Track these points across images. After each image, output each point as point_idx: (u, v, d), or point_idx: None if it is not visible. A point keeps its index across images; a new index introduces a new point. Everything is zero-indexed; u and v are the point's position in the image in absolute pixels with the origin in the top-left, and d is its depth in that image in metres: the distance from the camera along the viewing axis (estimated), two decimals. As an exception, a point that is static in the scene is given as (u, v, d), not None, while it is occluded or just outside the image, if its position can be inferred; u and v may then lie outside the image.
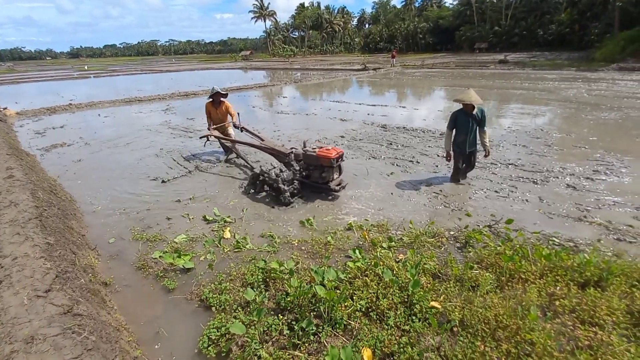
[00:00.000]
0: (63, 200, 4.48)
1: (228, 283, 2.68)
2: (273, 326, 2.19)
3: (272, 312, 2.37)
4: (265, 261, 2.85)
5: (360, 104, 12.04)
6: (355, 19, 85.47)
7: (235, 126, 6.27)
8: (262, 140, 5.68)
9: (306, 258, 3.09)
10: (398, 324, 2.18)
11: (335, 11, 79.46)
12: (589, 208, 3.93)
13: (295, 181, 4.36)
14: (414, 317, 2.21)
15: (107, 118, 10.98)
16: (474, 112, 4.52)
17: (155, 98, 14.88)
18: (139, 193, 4.82)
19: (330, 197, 4.42)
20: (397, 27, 60.36)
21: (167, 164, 6.09)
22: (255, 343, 2.05)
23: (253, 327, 2.16)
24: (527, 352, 1.93)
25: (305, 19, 75.52)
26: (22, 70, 45.34)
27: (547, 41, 40.57)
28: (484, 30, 46.49)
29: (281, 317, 2.27)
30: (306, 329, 2.12)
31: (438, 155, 6.05)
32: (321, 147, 4.34)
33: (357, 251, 2.97)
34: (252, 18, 75.16)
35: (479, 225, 3.56)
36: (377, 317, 2.26)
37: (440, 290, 2.45)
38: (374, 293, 2.41)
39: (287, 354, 2.00)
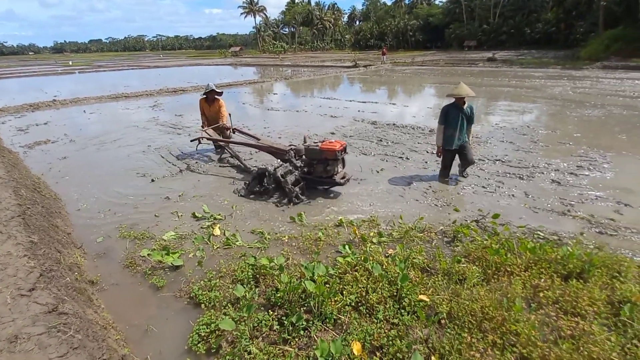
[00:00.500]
0: (47, 198, 4.38)
1: (218, 280, 2.67)
2: (263, 322, 2.20)
3: (262, 308, 2.37)
4: (255, 257, 2.85)
5: (350, 100, 12.06)
6: (346, 16, 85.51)
7: (226, 128, 6.21)
8: (258, 139, 5.61)
9: (296, 254, 3.09)
10: (387, 317, 2.21)
11: (326, 7, 79.23)
12: (572, 202, 4.03)
13: (300, 178, 4.29)
14: (402, 311, 2.24)
15: (92, 114, 10.75)
16: (465, 107, 4.56)
17: (142, 94, 14.62)
18: (126, 191, 4.74)
19: (331, 195, 4.37)
20: (388, 24, 60.49)
21: (155, 161, 6.01)
22: (245, 339, 2.05)
23: (243, 323, 2.15)
24: (512, 342, 1.98)
25: (296, 15, 75.10)
26: (4, 66, 43.95)
27: (534, 39, 41.21)
28: (473, 28, 46.95)
29: (271, 312, 2.27)
30: (296, 324, 2.13)
31: (427, 152, 6.11)
32: (323, 141, 4.29)
33: (347, 247, 2.98)
34: (241, 13, 74.50)
35: (466, 220, 3.61)
36: (367, 311, 2.28)
37: (428, 283, 2.49)
38: (363, 287, 2.43)
39: (277, 349, 2.01)
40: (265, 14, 78.40)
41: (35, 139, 7.67)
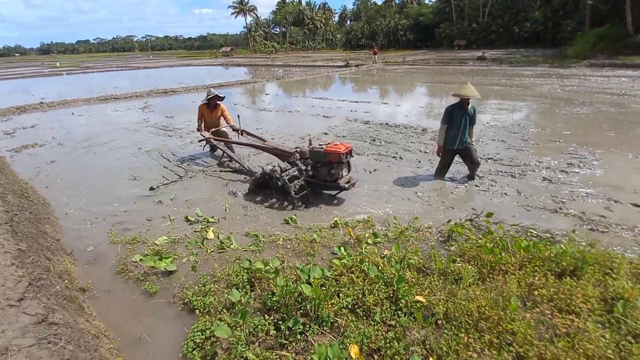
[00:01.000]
0: (36, 203, 4.28)
1: (212, 285, 2.63)
2: (259, 327, 2.17)
3: (258, 313, 2.34)
4: (250, 261, 2.82)
5: (343, 100, 12.07)
6: (337, 15, 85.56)
7: (234, 130, 6.14)
8: (265, 141, 5.52)
9: (292, 256, 3.07)
10: (384, 319, 2.20)
11: (317, 7, 79.20)
12: (564, 200, 4.08)
13: (303, 182, 4.16)
14: (399, 312, 2.23)
15: (81, 117, 10.56)
16: (468, 108, 4.54)
17: (132, 95, 14.42)
18: (117, 194, 4.66)
19: (335, 202, 4.21)
20: (378, 23, 60.73)
21: (146, 164, 5.92)
22: (241, 345, 2.03)
23: (239, 329, 2.12)
24: (508, 341, 1.98)
25: (287, 14, 74.91)
26: (-12, 67, 42.94)
27: (522, 38, 41.78)
28: (463, 28, 47.40)
29: (267, 317, 2.25)
30: (293, 328, 2.11)
31: (420, 151, 6.14)
32: (329, 143, 4.18)
33: (342, 248, 2.97)
34: (232, 13, 74.04)
35: (461, 219, 3.63)
36: (364, 313, 2.27)
37: (424, 284, 2.49)
38: (360, 289, 2.42)
39: (274, 354, 1.98)
40: (255, 14, 78.08)
41: (23, 142, 7.50)
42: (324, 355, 1.83)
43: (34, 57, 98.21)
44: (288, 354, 2.00)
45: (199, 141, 6.15)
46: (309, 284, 2.41)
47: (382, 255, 2.92)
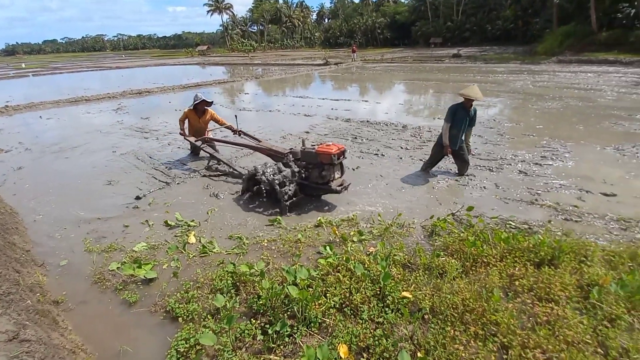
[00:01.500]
0: (2, 213, 4.03)
1: (195, 291, 2.56)
2: (246, 332, 2.12)
3: (244, 317, 2.29)
4: (234, 264, 2.75)
5: (323, 99, 12.05)
6: (315, 13, 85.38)
7: (233, 130, 5.99)
8: (259, 141, 5.41)
9: (277, 257, 3.03)
10: (372, 317, 2.20)
11: (294, 5, 78.73)
12: (539, 192, 4.23)
13: (296, 186, 3.99)
14: (386, 309, 2.24)
15: (50, 120, 10.06)
16: (470, 109, 4.58)
17: (104, 97, 13.86)
18: (91, 200, 4.46)
19: (327, 208, 4.04)
20: (356, 22, 61.04)
21: (122, 168, 5.69)
22: (227, 351, 1.97)
23: (225, 335, 2.07)
24: (492, 332, 2.03)
25: (264, 12, 74.09)
26: (-56, 69, 40.18)
27: (495, 36, 43.07)
28: (438, 26, 48.34)
29: (254, 321, 2.20)
30: (280, 332, 2.07)
31: (401, 148, 6.21)
32: (321, 144, 4.05)
33: (328, 247, 2.96)
34: (207, 11, 72.27)
35: (443, 214, 3.69)
36: (351, 312, 2.27)
37: (410, 280, 2.51)
38: (347, 288, 2.42)
39: (262, 359, 1.95)
40: (232, 12, 76.62)
41: (-15, 148, 7.06)
42: (313, 357, 1.81)
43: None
44: (276, 357, 1.96)
45: (195, 142, 5.83)
46: (296, 285, 2.38)
47: (368, 253, 2.93)
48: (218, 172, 5.30)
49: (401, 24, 54.65)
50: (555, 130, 7.02)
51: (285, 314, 2.24)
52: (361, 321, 2.17)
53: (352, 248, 3.00)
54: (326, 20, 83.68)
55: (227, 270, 2.70)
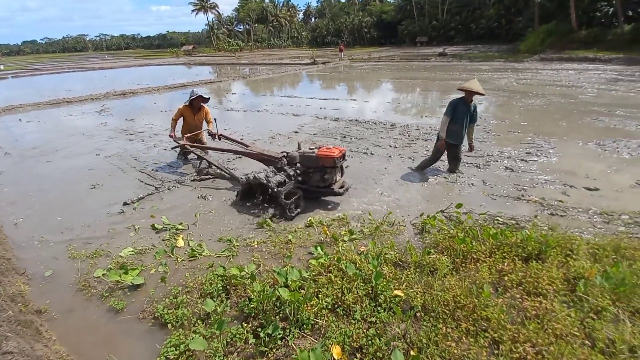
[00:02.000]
0: (-21, 220, 3.88)
1: (184, 295, 2.51)
2: (237, 336, 2.09)
3: (235, 321, 2.26)
4: (224, 267, 2.71)
5: (311, 98, 12.03)
6: (301, 13, 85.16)
7: (210, 134, 5.59)
8: (247, 146, 5.11)
9: (267, 259, 3.00)
10: (364, 316, 2.20)
11: (281, 4, 78.35)
12: (525, 187, 4.31)
13: (296, 190, 3.93)
14: (379, 308, 2.24)
15: (30, 123, 9.74)
16: (471, 105, 4.56)
17: (87, 98, 13.52)
18: (74, 205, 4.33)
19: (330, 206, 4.02)
20: (343, 21, 61.14)
21: (106, 171, 5.55)
22: (218, 356, 1.94)
23: (215, 340, 2.03)
24: (483, 328, 2.05)
25: (250, 12, 73.44)
26: None
27: (479, 35, 43.76)
28: (424, 25, 48.82)
29: (245, 325, 2.17)
30: (273, 334, 2.05)
31: (390, 146, 6.24)
32: (320, 147, 3.97)
33: (319, 248, 2.94)
34: (192, 10, 71.26)
35: (433, 211, 3.72)
36: (344, 312, 2.26)
37: (402, 278, 2.51)
38: (339, 288, 2.41)
39: (254, 363, 1.92)
40: (217, 11, 75.72)
41: (-39, 153, 6.79)
42: (306, 360, 1.79)
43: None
44: (269, 361, 1.94)
45: (172, 148, 5.76)
46: (287, 286, 2.35)
47: (359, 252, 2.93)
48: (209, 176, 5.11)
49: (387, 23, 54.99)
50: (539, 126, 7.17)
51: (277, 317, 2.21)
52: (354, 321, 2.16)
53: (343, 248, 3.00)
54: (313, 19, 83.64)
55: (217, 274, 2.65)
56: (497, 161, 5.27)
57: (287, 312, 2.18)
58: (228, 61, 36.62)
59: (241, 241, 3.31)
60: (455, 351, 1.89)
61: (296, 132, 7.52)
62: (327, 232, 3.30)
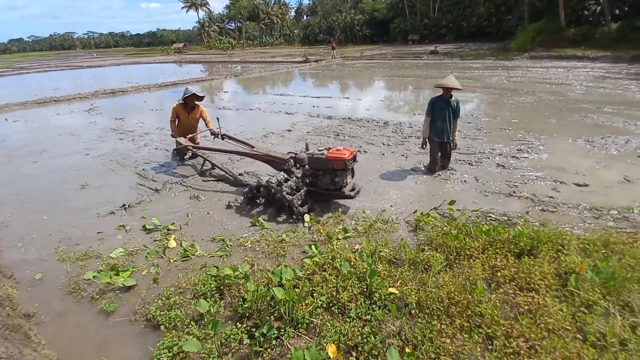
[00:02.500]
0: (-36, 223, 3.78)
1: (177, 297, 2.47)
2: (231, 336, 2.07)
3: (229, 322, 2.24)
4: (217, 267, 2.68)
5: (304, 96, 11.98)
6: (293, 10, 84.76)
7: (213, 134, 5.43)
8: (252, 147, 4.89)
9: (261, 258, 2.98)
10: (359, 314, 2.20)
11: (272, 2, 77.81)
12: (516, 184, 4.35)
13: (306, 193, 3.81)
14: (374, 306, 2.24)
15: (16, 123, 9.53)
16: (451, 100, 4.58)
17: (75, 97, 13.27)
18: (63, 205, 4.25)
19: (324, 205, 3.93)
20: (335, 19, 61.04)
21: (96, 172, 5.46)
22: (213, 357, 1.92)
23: (209, 341, 2.01)
24: (477, 324, 2.06)
25: (241, 9, 72.78)
26: None
27: (470, 33, 44.10)
28: (416, 23, 48.99)
29: (240, 325, 2.15)
30: (267, 334, 2.03)
31: (383, 144, 6.25)
32: (329, 149, 3.87)
33: (313, 246, 2.93)
34: (182, 7, 70.42)
35: (426, 208, 3.73)
36: (339, 310, 2.25)
37: (396, 275, 2.52)
38: (333, 287, 2.40)
39: (249, 363, 1.90)
40: (208, 8, 74.96)
41: (-56, 154, 6.61)
42: (302, 359, 1.78)
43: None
44: (264, 361, 1.92)
45: (174, 150, 5.56)
46: (281, 286, 2.34)
47: (354, 250, 2.92)
48: (212, 178, 4.92)
49: (379, 21, 55.06)
50: (529, 124, 7.25)
51: (272, 316, 2.20)
52: (349, 319, 2.16)
53: (337, 246, 2.99)
54: (305, 17, 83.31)
55: (210, 274, 2.63)
56: (489, 158, 5.31)
57: (282, 311, 2.16)
58: (220, 59, 36.29)
59: (234, 241, 3.28)
60: (450, 347, 1.90)
61: (289, 130, 7.49)
62: (322, 230, 3.29)
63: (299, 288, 2.38)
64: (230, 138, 5.45)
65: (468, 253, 2.76)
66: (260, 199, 3.97)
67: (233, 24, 79.16)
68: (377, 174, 4.87)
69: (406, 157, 5.51)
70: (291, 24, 78.59)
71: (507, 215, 3.55)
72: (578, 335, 1.94)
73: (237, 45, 66.89)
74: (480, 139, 6.35)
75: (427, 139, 4.75)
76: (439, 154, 4.78)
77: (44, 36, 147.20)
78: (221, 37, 68.45)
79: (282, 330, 2.09)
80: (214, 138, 5.61)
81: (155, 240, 3.36)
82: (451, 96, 4.59)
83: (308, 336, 2.09)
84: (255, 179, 3.89)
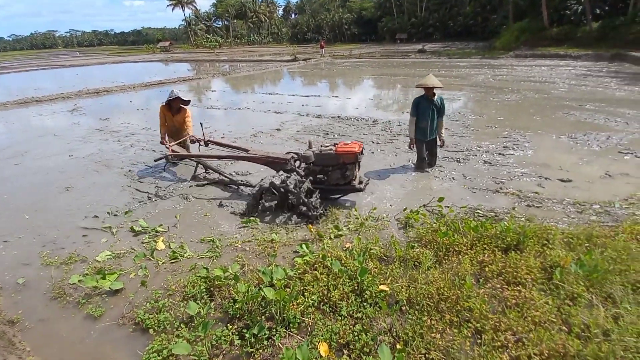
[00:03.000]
0: (-59, 228, 3.64)
1: (166, 299, 2.44)
2: (222, 338, 2.05)
3: (220, 323, 2.21)
4: (207, 269, 2.65)
5: (293, 95, 11.95)
6: (281, 9, 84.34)
7: (193, 141, 5.22)
8: (247, 150, 4.67)
9: (252, 259, 2.96)
10: (351, 312, 2.20)
11: (260, 0, 77.24)
12: (503, 180, 4.43)
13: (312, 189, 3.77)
14: (365, 304, 2.25)
15: (-5, 124, 9.25)
16: (435, 99, 4.62)
17: (58, 97, 12.93)
18: (46, 209, 4.14)
19: (348, 204, 3.96)
20: (323, 17, 60.95)
21: (80, 173, 5.33)
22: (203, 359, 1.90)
23: (200, 343, 1.99)
24: (466, 318, 2.09)
25: (228, 7, 72.01)
26: None
27: (457, 32, 44.64)
28: (403, 22, 49.33)
29: (230, 326, 2.13)
30: (259, 335, 2.02)
31: (373, 142, 6.28)
32: (336, 144, 3.86)
33: (304, 245, 2.92)
34: (168, 5, 69.25)
35: (416, 206, 3.77)
36: (330, 309, 2.25)
37: (387, 273, 2.53)
38: (324, 286, 2.40)
39: (240, 364, 1.89)
40: (194, 6, 73.94)
41: None
42: (293, 358, 1.78)
43: None
44: (255, 362, 1.91)
45: (155, 160, 5.12)
46: (272, 286, 2.33)
47: (345, 249, 2.93)
48: (204, 181, 4.76)
49: (367, 19, 55.23)
50: (515, 121, 7.39)
51: (263, 317, 2.18)
52: (340, 318, 2.16)
53: (328, 245, 2.99)
54: (293, 15, 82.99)
55: (199, 276, 2.59)
56: (476, 155, 5.40)
57: (273, 311, 2.15)
58: (207, 58, 35.87)
59: (224, 241, 3.25)
60: (440, 342, 1.92)
61: (278, 129, 7.46)
62: (312, 229, 3.29)
63: (290, 287, 2.37)
64: (216, 143, 5.18)
65: (457, 249, 2.80)
66: (264, 202, 3.83)
67: (220, 22, 78.21)
68: (366, 172, 4.89)
69: (395, 155, 5.55)
70: (279, 22, 78.14)
71: (494, 211, 3.61)
72: (563, 327, 1.99)
73: (225, 43, 66.20)
74: (468, 136, 6.44)
75: (413, 139, 4.80)
76: (426, 152, 4.84)
77: (25, 35, 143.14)
78: (208, 36, 67.59)
79: (274, 330, 2.08)
80: (199, 146, 5.35)
81: (142, 243, 3.31)
82: (434, 95, 4.63)
83: (300, 335, 2.09)
84: (259, 180, 3.81)
